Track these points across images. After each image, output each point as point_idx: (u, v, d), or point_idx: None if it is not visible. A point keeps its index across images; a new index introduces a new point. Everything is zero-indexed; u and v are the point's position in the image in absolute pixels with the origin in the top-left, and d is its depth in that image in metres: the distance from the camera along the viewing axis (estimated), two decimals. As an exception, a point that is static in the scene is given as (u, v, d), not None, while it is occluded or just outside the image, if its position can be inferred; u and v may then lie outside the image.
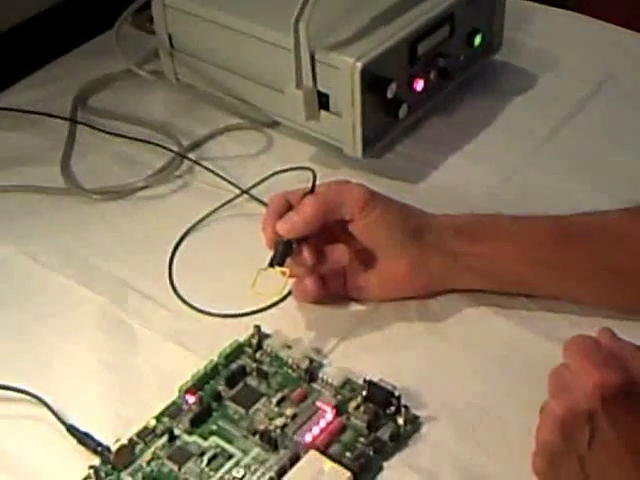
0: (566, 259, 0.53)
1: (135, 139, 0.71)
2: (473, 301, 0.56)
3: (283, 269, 0.52)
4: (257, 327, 0.53)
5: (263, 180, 0.64)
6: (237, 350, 0.53)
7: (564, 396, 0.42)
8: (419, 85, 0.68)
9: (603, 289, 0.54)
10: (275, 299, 0.57)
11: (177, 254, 0.62)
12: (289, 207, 0.54)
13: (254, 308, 0.57)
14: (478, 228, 0.55)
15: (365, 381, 0.50)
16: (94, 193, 0.66)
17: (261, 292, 0.53)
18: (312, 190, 0.55)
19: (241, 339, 0.53)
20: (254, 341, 0.53)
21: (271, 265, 0.53)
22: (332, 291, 0.56)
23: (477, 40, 0.73)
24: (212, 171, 0.67)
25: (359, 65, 0.62)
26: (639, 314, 0.54)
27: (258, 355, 0.53)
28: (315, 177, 0.55)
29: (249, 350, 0.53)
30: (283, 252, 0.53)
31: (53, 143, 0.72)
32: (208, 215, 0.64)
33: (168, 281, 0.59)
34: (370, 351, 0.54)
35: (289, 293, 0.57)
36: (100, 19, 0.82)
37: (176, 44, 0.73)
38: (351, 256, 0.55)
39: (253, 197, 0.65)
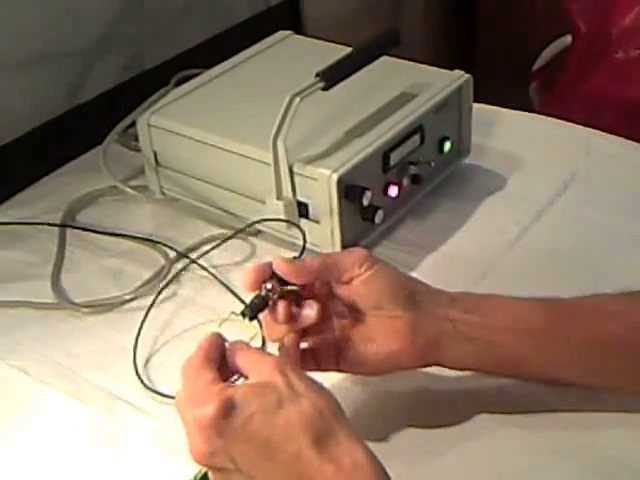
0: (556, 331, 0.55)
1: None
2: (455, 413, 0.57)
3: (253, 324, 0.52)
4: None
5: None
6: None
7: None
8: (393, 192, 0.72)
9: (594, 364, 0.55)
10: None
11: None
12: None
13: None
14: (471, 300, 0.56)
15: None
16: (83, 307, 0.68)
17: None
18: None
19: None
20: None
21: (242, 314, 0.53)
22: (323, 366, 0.56)
23: (447, 147, 0.77)
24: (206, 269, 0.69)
25: (335, 176, 0.66)
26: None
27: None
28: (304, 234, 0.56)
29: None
30: (257, 306, 0.52)
31: (43, 259, 0.74)
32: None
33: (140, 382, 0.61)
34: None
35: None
36: (85, 137, 0.86)
37: (161, 161, 0.77)
38: (345, 325, 0.55)
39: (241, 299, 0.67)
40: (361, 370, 0.57)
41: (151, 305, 0.66)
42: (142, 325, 0.65)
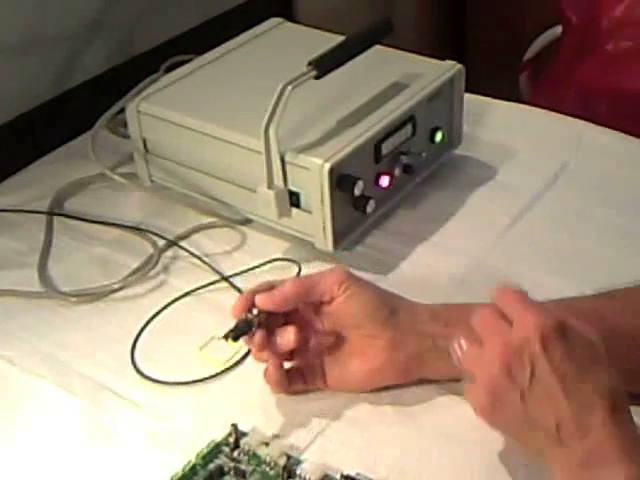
0: None
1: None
2: (443, 389, 0.58)
3: (234, 344, 0.55)
4: (234, 426, 0.54)
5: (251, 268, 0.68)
6: (214, 450, 0.53)
7: (502, 336, 0.47)
8: (385, 181, 0.71)
9: None
10: (216, 370, 0.59)
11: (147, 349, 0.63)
12: (270, 289, 0.56)
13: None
14: (452, 313, 0.57)
15: (342, 476, 0.51)
16: (71, 296, 0.68)
17: (206, 358, 0.56)
18: None
19: (218, 438, 0.54)
20: (231, 440, 0.53)
21: (225, 337, 0.54)
22: (311, 385, 0.58)
23: (438, 137, 0.77)
24: (197, 256, 0.70)
25: (327, 166, 0.65)
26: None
27: (235, 454, 0.53)
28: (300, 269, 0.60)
29: (226, 449, 0.53)
30: (241, 329, 0.55)
31: (30, 247, 0.73)
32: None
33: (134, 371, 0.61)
34: (346, 445, 0.55)
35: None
36: (74, 124, 0.85)
37: (150, 148, 0.76)
38: (328, 346, 0.57)
39: (233, 286, 0.67)
40: (347, 387, 0.58)
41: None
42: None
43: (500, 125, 0.86)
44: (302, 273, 0.67)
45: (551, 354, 0.45)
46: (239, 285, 0.67)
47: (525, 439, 0.47)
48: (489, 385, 0.47)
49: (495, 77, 1.19)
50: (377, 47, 0.73)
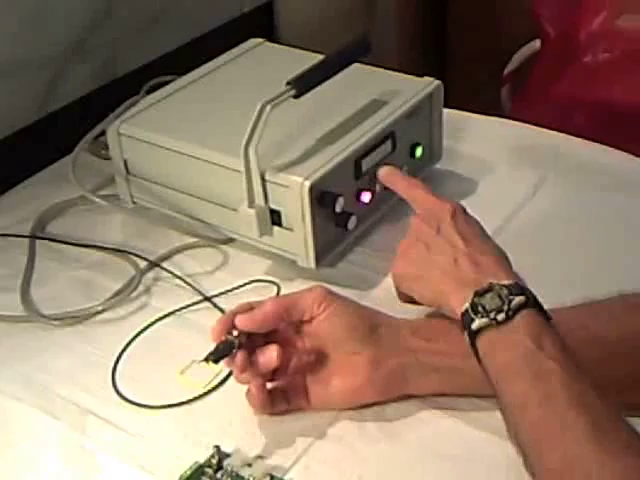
0: None
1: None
2: (426, 405, 0.58)
3: (216, 367, 0.55)
4: (217, 447, 0.53)
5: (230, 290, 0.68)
6: (198, 471, 0.53)
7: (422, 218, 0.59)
8: (366, 198, 0.72)
9: None
10: (198, 393, 0.59)
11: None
12: (250, 310, 0.56)
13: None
14: (433, 327, 0.57)
15: (326, 495, 0.51)
16: (54, 319, 0.67)
17: (187, 381, 0.56)
18: None
19: (201, 460, 0.54)
20: (214, 461, 0.53)
21: (206, 360, 0.54)
22: (294, 405, 0.57)
23: (418, 152, 0.77)
24: (179, 276, 0.70)
25: (307, 183, 0.66)
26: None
27: (219, 475, 0.53)
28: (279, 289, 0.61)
29: (209, 471, 0.53)
30: (222, 351, 0.54)
31: (12, 271, 0.73)
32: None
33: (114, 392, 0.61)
34: (330, 464, 0.55)
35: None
36: (57, 146, 0.85)
37: (132, 169, 0.76)
38: (310, 365, 0.57)
39: (216, 306, 0.67)
40: (330, 406, 0.58)
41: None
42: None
43: (480, 139, 0.87)
44: (285, 292, 0.67)
45: (456, 221, 0.57)
46: (222, 305, 0.67)
47: (427, 278, 0.55)
48: (404, 253, 0.58)
49: (476, 92, 1.20)
50: (356, 65, 0.73)
